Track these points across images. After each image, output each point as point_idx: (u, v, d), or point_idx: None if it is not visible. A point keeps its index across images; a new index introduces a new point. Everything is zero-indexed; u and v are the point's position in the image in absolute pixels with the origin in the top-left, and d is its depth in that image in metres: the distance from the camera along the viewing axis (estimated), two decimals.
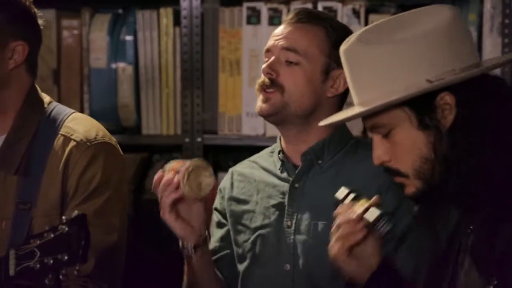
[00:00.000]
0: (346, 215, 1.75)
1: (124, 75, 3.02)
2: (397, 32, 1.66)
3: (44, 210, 1.98)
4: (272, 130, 2.90)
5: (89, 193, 2.00)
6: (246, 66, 2.91)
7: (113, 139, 2.10)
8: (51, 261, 1.68)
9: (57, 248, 1.67)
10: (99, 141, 2.04)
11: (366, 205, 1.75)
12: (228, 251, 2.16)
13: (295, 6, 2.85)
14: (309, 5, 2.83)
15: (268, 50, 2.11)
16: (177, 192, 1.92)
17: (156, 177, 1.95)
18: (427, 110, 1.64)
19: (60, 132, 2.04)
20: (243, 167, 2.23)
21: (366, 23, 2.81)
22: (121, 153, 2.11)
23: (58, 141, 2.03)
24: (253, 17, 2.89)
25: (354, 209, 1.75)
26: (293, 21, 2.10)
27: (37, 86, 2.11)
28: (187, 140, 2.98)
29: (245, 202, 2.15)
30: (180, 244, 2.01)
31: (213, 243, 2.17)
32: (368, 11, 2.83)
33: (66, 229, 1.68)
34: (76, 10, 3.08)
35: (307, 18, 2.10)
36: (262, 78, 2.09)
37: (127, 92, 3.02)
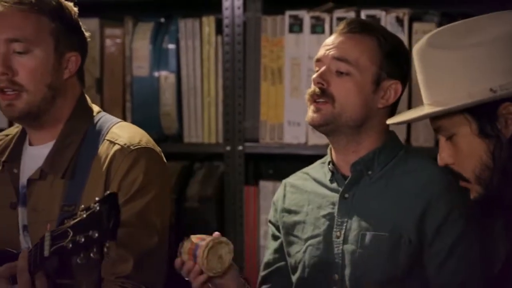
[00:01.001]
0: None
1: (167, 83, 3.03)
2: (464, 37, 1.66)
3: None
4: (314, 139, 2.89)
5: (130, 196, 2.02)
6: (288, 74, 2.91)
7: (157, 147, 2.12)
8: (83, 239, 1.70)
9: (88, 227, 1.70)
10: (142, 146, 2.07)
11: None
12: (282, 263, 2.17)
13: (337, 14, 2.83)
14: (352, 14, 2.81)
15: (318, 60, 2.11)
16: (202, 276, 1.92)
17: (176, 263, 1.95)
18: (489, 119, 1.64)
19: (106, 138, 2.08)
20: (295, 179, 2.23)
21: (410, 32, 2.78)
22: (165, 160, 2.13)
23: (103, 146, 2.06)
24: (296, 26, 2.89)
25: None
26: (345, 31, 2.09)
27: (86, 95, 2.15)
28: (228, 148, 2.98)
29: (296, 213, 2.16)
30: None
31: (267, 256, 2.19)
32: (411, 19, 2.80)
33: (98, 208, 1.70)
34: (119, 19, 3.10)
35: (359, 28, 2.09)
36: (313, 88, 2.08)
37: (169, 100, 3.03)
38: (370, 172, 2.08)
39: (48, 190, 2.05)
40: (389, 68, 2.05)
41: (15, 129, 2.21)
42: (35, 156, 2.10)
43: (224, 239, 1.93)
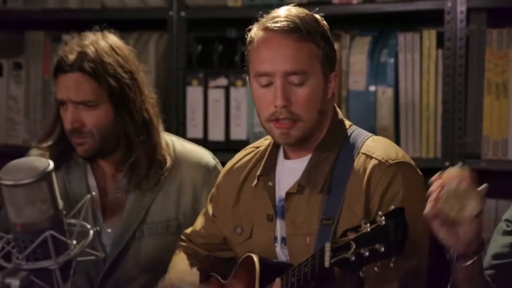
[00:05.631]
0: None
1: (384, 97, 3.01)
2: None
3: (346, 225, 1.98)
4: None
5: None
6: None
7: (412, 161, 2.09)
8: (367, 253, 1.69)
9: (374, 240, 1.69)
10: (400, 160, 2.05)
11: None
12: None
13: None
14: None
15: None
16: (434, 207, 1.81)
17: (433, 177, 1.86)
18: None
19: (361, 151, 2.07)
20: None
21: None
22: (420, 174, 2.10)
23: (359, 160, 2.05)
24: None
25: None
26: None
27: (338, 109, 2.15)
28: (446, 164, 2.91)
29: None
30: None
31: (496, 248, 2.07)
32: None
33: (384, 222, 1.69)
34: (336, 34, 3.10)
35: None
36: None
37: (386, 115, 3.01)
38: None
39: (305, 204, 2.06)
40: None
41: (266, 141, 2.22)
42: (291, 169, 2.11)
43: (478, 197, 1.77)
